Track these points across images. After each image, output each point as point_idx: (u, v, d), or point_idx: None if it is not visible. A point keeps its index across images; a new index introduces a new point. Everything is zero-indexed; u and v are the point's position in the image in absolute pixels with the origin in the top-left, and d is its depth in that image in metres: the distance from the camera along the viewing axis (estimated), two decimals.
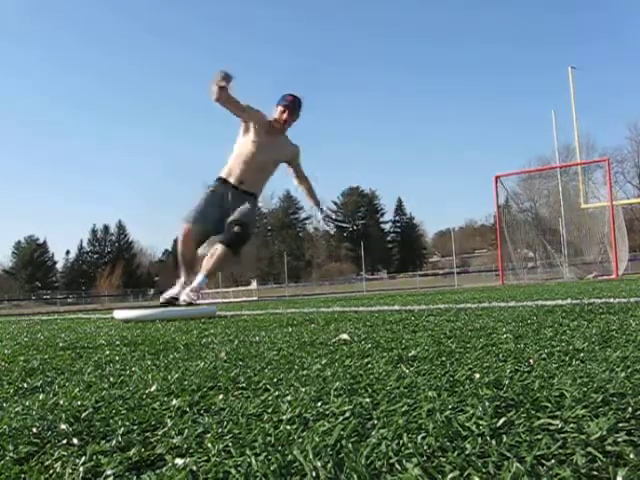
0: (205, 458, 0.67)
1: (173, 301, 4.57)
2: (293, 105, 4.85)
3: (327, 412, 0.84)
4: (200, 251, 4.84)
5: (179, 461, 0.66)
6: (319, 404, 0.89)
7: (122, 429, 0.81)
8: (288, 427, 0.77)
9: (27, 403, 1.05)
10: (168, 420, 0.85)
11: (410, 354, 1.36)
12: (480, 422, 0.72)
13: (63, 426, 0.84)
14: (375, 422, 0.77)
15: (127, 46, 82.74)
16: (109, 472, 0.64)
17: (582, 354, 1.22)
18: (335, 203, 73.65)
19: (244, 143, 4.89)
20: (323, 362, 1.34)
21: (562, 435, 0.66)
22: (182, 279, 4.74)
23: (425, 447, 0.64)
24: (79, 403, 1.02)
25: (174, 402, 0.97)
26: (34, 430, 0.83)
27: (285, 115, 4.84)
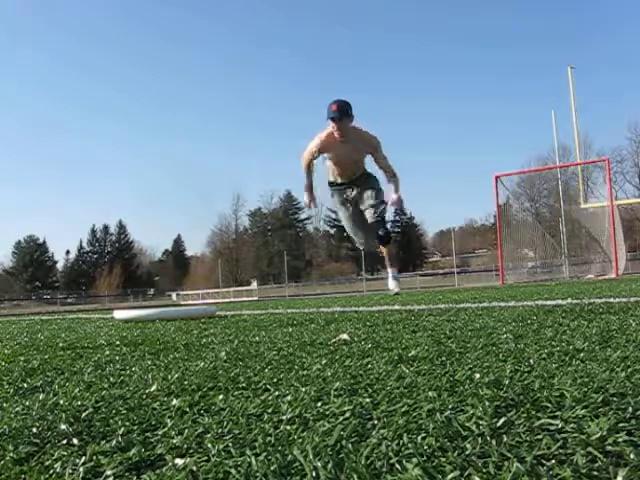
0: (205, 458, 0.67)
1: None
2: (339, 114, 5.06)
3: (327, 412, 0.84)
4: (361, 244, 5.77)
5: (179, 461, 0.66)
6: (319, 404, 0.89)
7: (122, 429, 0.81)
8: (288, 427, 0.77)
9: (27, 403, 1.05)
10: (168, 420, 0.85)
11: (410, 354, 1.36)
12: (480, 422, 0.72)
13: (63, 426, 0.84)
14: (375, 422, 0.77)
15: (128, 46, 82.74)
16: (109, 472, 0.64)
17: (582, 354, 1.22)
18: None
19: (330, 163, 5.57)
20: (323, 362, 1.34)
21: (562, 435, 0.66)
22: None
23: (425, 447, 0.64)
24: (79, 403, 1.02)
25: (174, 402, 0.97)
26: (34, 430, 0.83)
27: (336, 128, 5.10)
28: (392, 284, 5.78)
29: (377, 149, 5.39)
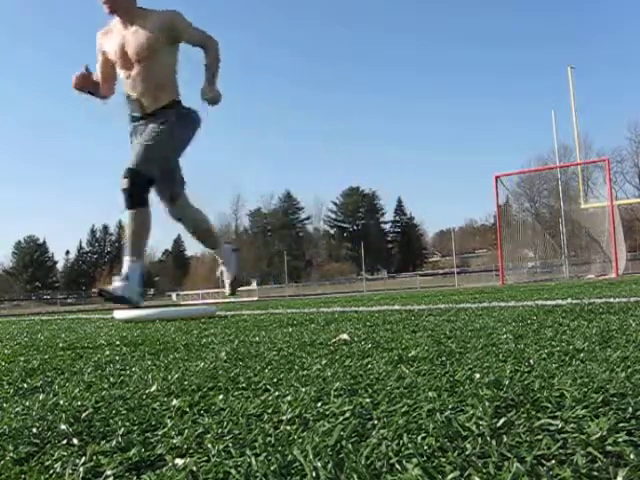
0: (205, 458, 0.67)
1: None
2: None
3: (327, 412, 0.84)
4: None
5: (179, 461, 0.66)
6: (319, 404, 0.89)
7: (122, 429, 0.81)
8: (288, 427, 0.77)
9: (27, 403, 1.05)
10: (168, 420, 0.85)
11: (410, 354, 1.36)
12: (480, 422, 0.72)
13: (63, 426, 0.84)
14: (375, 422, 0.77)
15: None
16: (109, 472, 0.64)
17: (582, 354, 1.22)
18: (335, 203, 73.73)
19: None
20: (323, 362, 1.34)
21: (562, 435, 0.66)
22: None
23: (425, 447, 0.64)
24: (79, 403, 1.02)
25: (174, 402, 0.97)
26: (34, 430, 0.83)
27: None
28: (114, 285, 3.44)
29: (175, 20, 3.59)
